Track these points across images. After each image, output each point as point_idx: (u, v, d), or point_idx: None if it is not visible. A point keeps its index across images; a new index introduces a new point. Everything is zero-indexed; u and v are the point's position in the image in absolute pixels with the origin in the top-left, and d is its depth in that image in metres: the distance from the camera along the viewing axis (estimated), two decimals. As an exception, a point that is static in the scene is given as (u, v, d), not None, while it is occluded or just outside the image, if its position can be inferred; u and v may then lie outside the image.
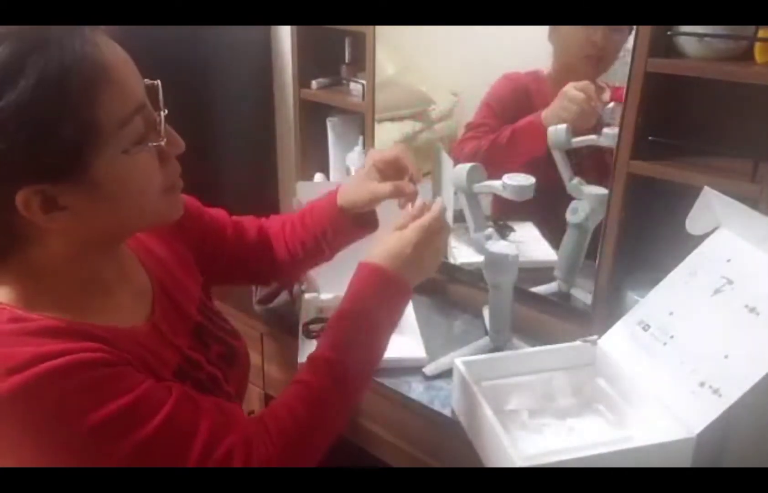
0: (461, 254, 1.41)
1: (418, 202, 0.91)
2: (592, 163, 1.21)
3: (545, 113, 1.23)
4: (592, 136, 1.16)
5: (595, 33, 1.15)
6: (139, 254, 0.81)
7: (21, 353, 0.60)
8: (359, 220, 1.03)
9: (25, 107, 0.57)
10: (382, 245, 0.87)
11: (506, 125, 1.29)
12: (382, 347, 0.84)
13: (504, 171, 1.19)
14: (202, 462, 0.67)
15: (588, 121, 1.18)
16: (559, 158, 1.21)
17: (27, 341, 0.61)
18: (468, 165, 1.25)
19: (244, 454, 0.69)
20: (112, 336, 0.68)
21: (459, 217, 1.38)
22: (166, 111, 0.68)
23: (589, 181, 1.20)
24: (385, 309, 0.84)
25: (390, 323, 0.84)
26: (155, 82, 0.68)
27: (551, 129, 1.21)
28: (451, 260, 1.42)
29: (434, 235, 0.87)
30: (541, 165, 1.21)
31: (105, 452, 0.62)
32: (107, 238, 0.71)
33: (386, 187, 0.97)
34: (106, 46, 0.63)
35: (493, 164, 1.26)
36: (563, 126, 1.19)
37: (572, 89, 1.18)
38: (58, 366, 0.60)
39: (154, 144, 0.67)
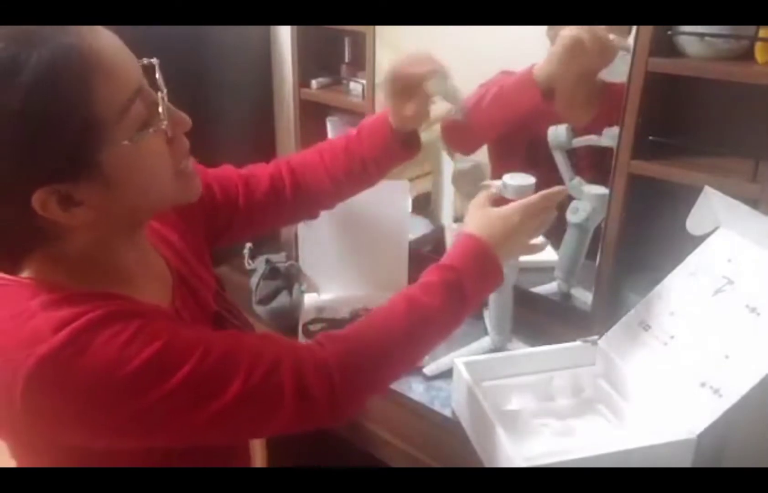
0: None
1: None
2: (592, 163, 1.21)
3: (537, 64, 1.21)
4: (593, 137, 1.16)
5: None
6: (156, 243, 0.81)
7: (66, 311, 0.62)
8: (406, 142, 1.01)
9: (21, 112, 0.57)
10: (482, 218, 0.89)
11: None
12: (459, 321, 0.86)
13: (500, 128, 1.17)
14: (248, 377, 0.68)
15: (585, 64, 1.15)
16: (559, 159, 1.21)
17: (65, 306, 0.63)
18: (468, 164, 1.25)
19: (292, 360, 0.71)
20: (146, 304, 0.70)
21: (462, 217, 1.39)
22: (165, 90, 0.67)
23: (589, 181, 1.20)
24: (481, 287, 0.87)
25: (477, 300, 0.87)
26: (152, 60, 0.67)
27: (551, 129, 1.20)
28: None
29: (534, 216, 0.90)
30: (541, 165, 1.21)
31: (158, 389, 0.64)
32: (128, 224, 0.72)
33: (421, 99, 0.96)
34: (94, 34, 0.61)
35: (487, 121, 1.25)
36: (563, 126, 1.19)
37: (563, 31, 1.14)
38: (100, 316, 0.62)
39: (154, 129, 0.66)
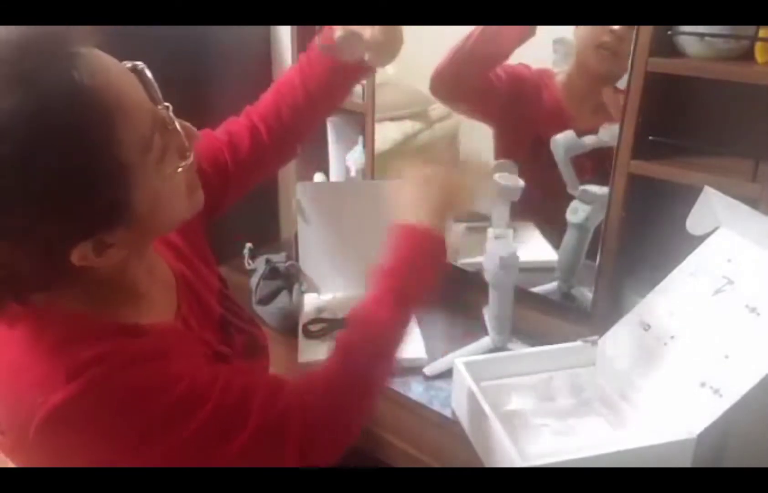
0: (462, 253, 1.41)
1: None
2: (591, 163, 1.21)
3: None
4: (594, 137, 1.16)
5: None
6: (159, 248, 0.80)
7: (77, 358, 0.60)
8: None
9: (51, 179, 0.54)
10: (417, 205, 0.87)
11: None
12: (416, 308, 0.85)
13: (486, 67, 1.17)
14: (258, 428, 0.68)
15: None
16: (564, 168, 1.20)
17: (83, 344, 0.62)
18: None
19: (300, 411, 0.71)
20: (160, 331, 0.70)
21: (467, 217, 1.39)
22: (169, 105, 0.65)
23: (589, 181, 1.20)
24: (422, 267, 0.84)
25: (426, 281, 0.85)
26: (137, 64, 0.64)
27: (559, 136, 1.19)
28: (452, 261, 1.42)
29: (442, 178, 0.87)
30: (542, 165, 1.21)
31: (169, 439, 0.64)
32: (142, 249, 0.71)
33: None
34: (102, 67, 0.58)
35: (485, 56, 1.24)
36: (570, 132, 1.19)
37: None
38: (118, 364, 0.62)
39: (185, 163, 0.65)
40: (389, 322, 0.81)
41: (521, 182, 0.97)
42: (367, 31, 0.93)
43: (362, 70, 1.00)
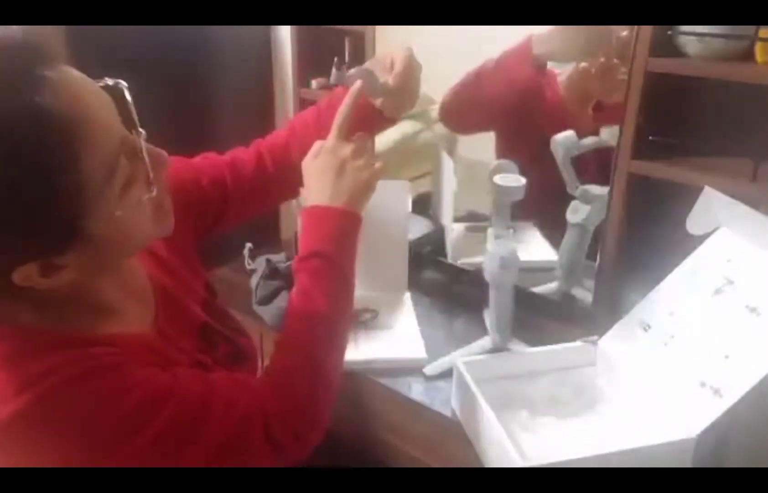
0: (462, 253, 1.41)
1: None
2: (591, 163, 1.21)
3: (536, 35, 1.21)
4: (595, 138, 1.16)
5: (622, 29, 1.10)
6: (137, 256, 0.79)
7: (27, 372, 0.60)
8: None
9: (4, 199, 0.53)
10: (319, 183, 0.86)
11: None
12: (350, 279, 0.85)
13: (494, 101, 1.18)
14: (221, 428, 0.68)
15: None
16: (565, 168, 1.20)
17: (34, 357, 0.61)
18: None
19: (261, 412, 0.71)
20: (121, 341, 0.68)
21: (467, 217, 1.39)
22: (144, 132, 0.63)
23: (589, 181, 1.20)
24: (345, 245, 0.85)
25: (351, 254, 0.85)
26: (119, 82, 0.62)
27: (559, 136, 1.18)
28: (452, 260, 1.42)
29: (336, 158, 0.86)
30: (541, 165, 1.21)
31: (122, 449, 0.63)
32: (105, 269, 0.69)
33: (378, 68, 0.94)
34: (70, 89, 0.56)
35: (483, 94, 1.26)
36: (571, 132, 1.18)
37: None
38: (70, 376, 0.60)
39: (149, 196, 0.63)
40: (329, 303, 0.81)
41: (522, 180, 0.97)
42: (384, 75, 0.93)
43: (378, 120, 0.99)
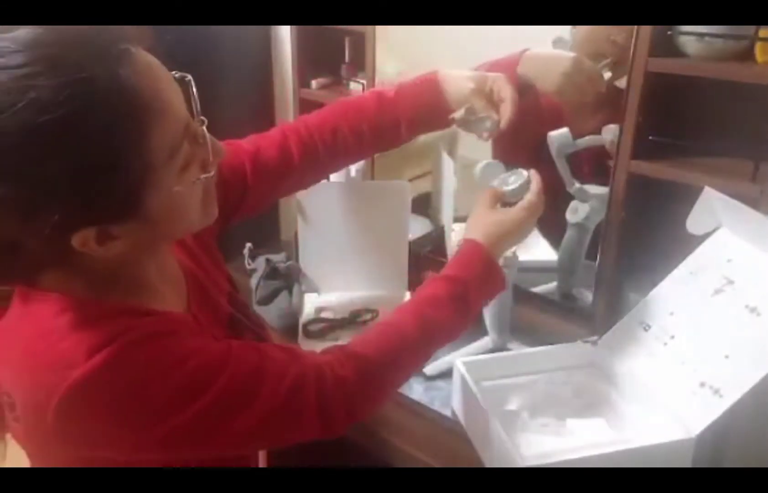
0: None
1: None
2: (593, 166, 1.21)
3: (526, 54, 1.20)
4: (592, 136, 1.16)
5: (619, 33, 1.10)
6: (171, 246, 0.81)
7: (94, 336, 0.62)
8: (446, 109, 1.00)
9: (76, 160, 0.56)
10: (489, 225, 0.91)
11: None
12: (463, 330, 0.89)
13: None
14: (274, 395, 0.70)
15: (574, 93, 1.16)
16: (561, 164, 1.20)
17: (98, 323, 0.63)
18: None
19: (315, 378, 0.73)
20: (169, 317, 0.71)
21: (466, 217, 1.38)
22: (206, 120, 0.67)
23: (589, 181, 1.20)
24: (485, 294, 0.91)
25: (481, 305, 0.93)
26: (187, 78, 0.66)
27: (550, 135, 1.19)
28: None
29: (536, 215, 0.93)
30: (541, 164, 1.20)
31: (188, 410, 0.65)
32: (151, 248, 0.72)
33: (480, 102, 0.97)
34: (148, 70, 0.61)
35: None
36: (565, 130, 1.18)
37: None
38: (134, 339, 0.63)
39: (205, 176, 0.67)
40: (443, 325, 0.85)
41: (525, 173, 0.97)
42: (489, 109, 0.97)
43: (443, 123, 1.02)
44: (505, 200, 0.95)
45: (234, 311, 0.87)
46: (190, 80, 0.66)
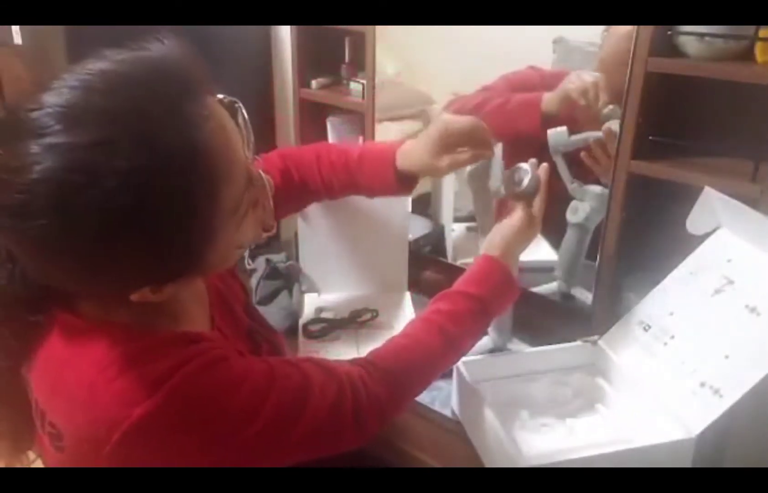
0: (462, 253, 1.41)
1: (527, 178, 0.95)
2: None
3: (547, 95, 1.22)
4: (591, 133, 1.16)
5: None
6: None
7: (154, 370, 0.61)
8: (406, 183, 1.04)
9: (148, 231, 0.55)
10: (504, 239, 0.93)
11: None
12: (478, 340, 0.94)
13: (495, 132, 1.17)
14: (318, 409, 0.71)
15: (586, 115, 1.16)
16: (559, 163, 1.20)
17: (153, 357, 0.62)
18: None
19: (351, 393, 0.75)
20: (208, 338, 0.71)
21: (467, 218, 1.39)
22: (259, 158, 0.67)
23: (589, 181, 1.20)
24: (502, 307, 0.94)
25: (496, 317, 0.95)
26: (237, 104, 0.64)
27: (551, 131, 1.20)
28: (452, 260, 1.42)
29: (541, 210, 0.95)
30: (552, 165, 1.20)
31: (246, 433, 0.66)
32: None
33: (465, 157, 0.98)
34: (220, 130, 0.58)
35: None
36: (563, 128, 1.19)
37: (582, 74, 1.16)
38: (192, 371, 0.62)
39: (259, 216, 0.68)
40: (464, 340, 0.89)
41: (528, 169, 0.97)
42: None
43: (409, 190, 1.08)
44: (518, 198, 0.97)
45: (251, 321, 0.88)
46: (239, 106, 0.65)
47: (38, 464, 0.72)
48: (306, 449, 0.73)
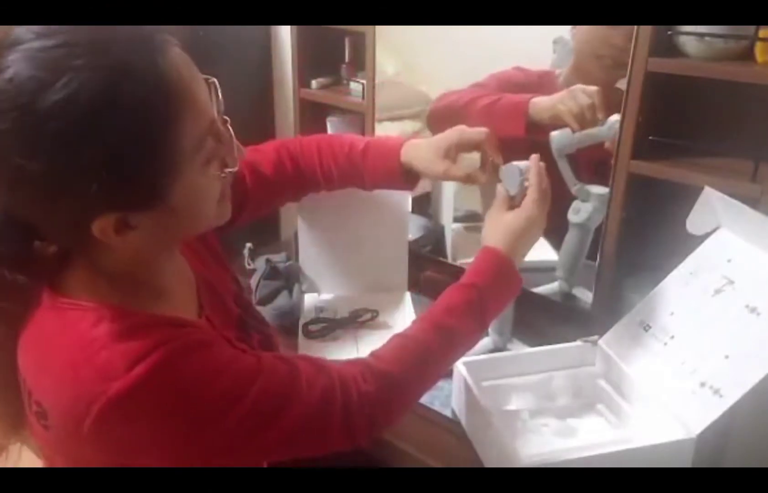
0: (462, 253, 1.41)
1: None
2: (593, 166, 1.20)
3: (536, 99, 1.21)
4: (593, 131, 1.15)
5: (617, 35, 1.09)
6: (182, 249, 0.82)
7: (133, 348, 0.62)
8: (408, 177, 1.04)
9: (109, 142, 0.57)
10: (502, 229, 0.91)
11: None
12: (481, 335, 0.90)
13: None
14: (304, 405, 0.71)
15: (583, 126, 1.16)
16: (562, 165, 1.20)
17: (136, 334, 0.63)
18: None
19: (341, 392, 0.74)
20: (195, 324, 0.72)
21: (467, 217, 1.39)
22: (229, 120, 0.68)
23: (590, 182, 1.20)
24: (501, 299, 0.91)
25: (498, 311, 0.93)
26: (211, 79, 0.67)
27: (554, 133, 1.19)
28: (452, 260, 1.42)
29: (545, 205, 0.93)
30: (548, 163, 1.20)
31: (225, 421, 0.66)
32: (167, 246, 0.73)
33: (459, 173, 0.99)
34: (183, 63, 0.62)
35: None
36: (566, 130, 1.18)
37: (580, 90, 1.16)
38: (174, 350, 0.63)
39: (229, 171, 0.68)
40: (462, 333, 0.86)
41: (523, 165, 0.96)
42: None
43: (412, 186, 1.08)
44: (512, 204, 0.95)
45: (241, 312, 0.88)
46: (214, 82, 0.68)
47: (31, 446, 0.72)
48: (290, 444, 0.72)
